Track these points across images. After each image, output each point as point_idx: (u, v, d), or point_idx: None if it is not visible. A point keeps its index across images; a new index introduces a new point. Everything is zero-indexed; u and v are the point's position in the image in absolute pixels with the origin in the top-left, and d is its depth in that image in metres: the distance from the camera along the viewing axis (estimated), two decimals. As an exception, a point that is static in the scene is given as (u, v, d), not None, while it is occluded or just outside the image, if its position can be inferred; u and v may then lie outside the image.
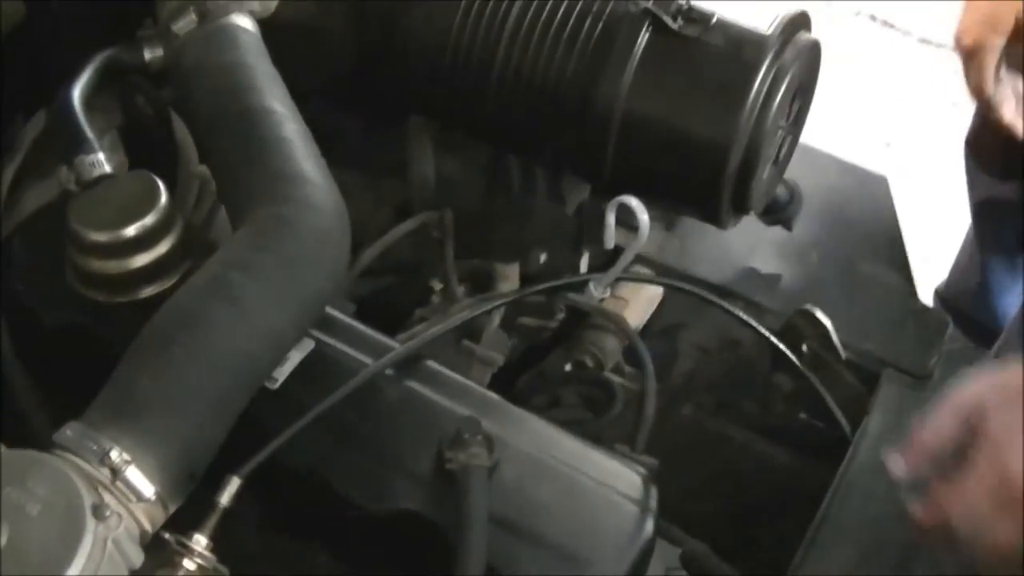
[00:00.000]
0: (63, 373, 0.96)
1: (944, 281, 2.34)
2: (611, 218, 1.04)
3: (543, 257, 1.32)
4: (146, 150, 1.19)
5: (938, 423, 0.89)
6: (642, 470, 0.91)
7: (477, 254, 1.30)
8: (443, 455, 0.85)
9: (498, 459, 0.86)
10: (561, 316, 1.25)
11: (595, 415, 1.18)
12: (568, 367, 1.25)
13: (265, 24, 1.20)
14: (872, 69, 3.30)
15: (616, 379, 1.22)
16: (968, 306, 2.23)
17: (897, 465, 0.92)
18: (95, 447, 0.76)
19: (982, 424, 0.86)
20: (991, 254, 2.15)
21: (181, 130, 1.18)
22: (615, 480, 0.89)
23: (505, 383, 1.27)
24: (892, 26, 3.47)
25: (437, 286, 1.25)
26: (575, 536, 0.86)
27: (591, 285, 1.10)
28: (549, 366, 1.26)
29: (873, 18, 3.48)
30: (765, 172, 1.14)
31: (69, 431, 0.77)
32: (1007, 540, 0.84)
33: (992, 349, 2.05)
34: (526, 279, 1.34)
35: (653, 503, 0.88)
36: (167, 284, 0.95)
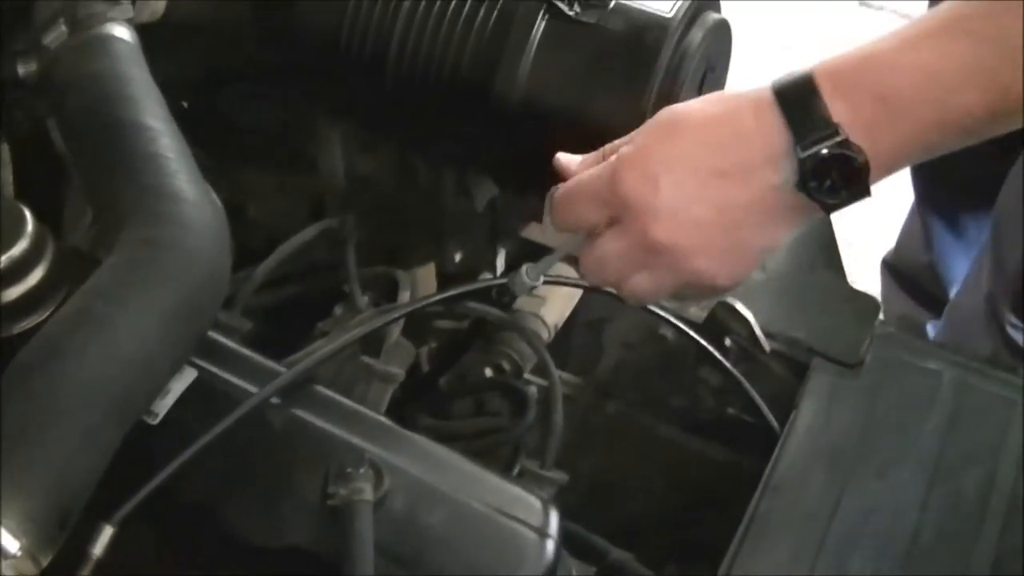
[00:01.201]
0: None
1: (892, 249, 2.32)
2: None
3: (458, 256, 1.28)
4: (32, 168, 1.14)
5: (580, 212, 0.94)
6: (542, 494, 0.87)
7: (391, 255, 1.26)
8: (326, 490, 0.81)
9: (386, 490, 0.81)
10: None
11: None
12: (488, 371, 1.21)
13: (157, 25, 1.16)
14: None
15: (536, 382, 1.18)
16: (916, 273, 2.21)
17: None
18: (-51, 505, 0.72)
19: (617, 193, 0.89)
20: (934, 214, 2.13)
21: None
22: (512, 506, 0.85)
23: (425, 386, 1.24)
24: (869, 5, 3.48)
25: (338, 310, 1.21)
26: (469, 567, 0.82)
27: (494, 293, 1.06)
28: (468, 369, 1.22)
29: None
30: (676, 161, 1.09)
31: (-81, 488, 0.73)
32: (645, 289, 0.93)
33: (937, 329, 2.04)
34: (443, 279, 1.30)
35: (553, 528, 0.84)
36: (42, 316, 0.90)
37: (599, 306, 1.32)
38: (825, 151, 0.83)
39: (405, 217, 1.28)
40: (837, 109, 0.83)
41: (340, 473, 0.81)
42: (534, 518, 0.84)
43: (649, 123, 0.92)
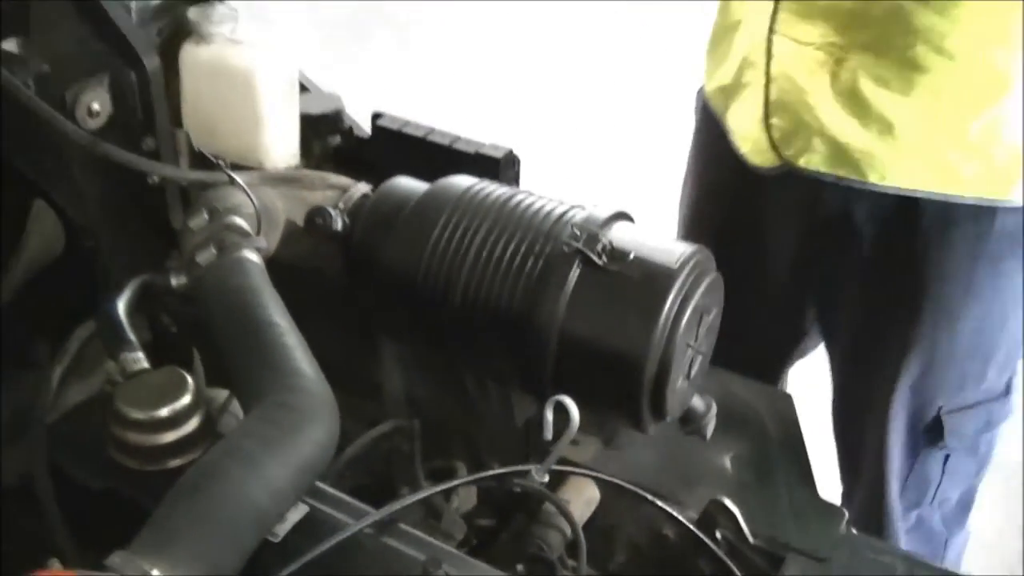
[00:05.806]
0: (103, 533, 1.16)
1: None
2: (549, 413, 1.26)
3: (496, 466, 1.53)
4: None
5: None
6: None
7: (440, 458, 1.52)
8: (412, 595, 1.05)
9: (457, 597, 1.06)
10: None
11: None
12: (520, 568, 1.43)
13: (268, 261, 1.46)
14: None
15: (564, 573, 1.41)
16: None
17: None
18: (138, 571, 0.97)
19: None
20: None
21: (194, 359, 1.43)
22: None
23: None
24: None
25: (404, 492, 1.45)
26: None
27: (533, 472, 1.31)
28: (499, 556, 1.45)
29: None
30: (678, 383, 1.36)
31: (117, 557, 0.98)
32: None
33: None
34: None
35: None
36: (191, 457, 1.18)
37: (611, 513, 1.55)
38: None
39: (451, 428, 1.53)
40: None
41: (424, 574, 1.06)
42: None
43: None
